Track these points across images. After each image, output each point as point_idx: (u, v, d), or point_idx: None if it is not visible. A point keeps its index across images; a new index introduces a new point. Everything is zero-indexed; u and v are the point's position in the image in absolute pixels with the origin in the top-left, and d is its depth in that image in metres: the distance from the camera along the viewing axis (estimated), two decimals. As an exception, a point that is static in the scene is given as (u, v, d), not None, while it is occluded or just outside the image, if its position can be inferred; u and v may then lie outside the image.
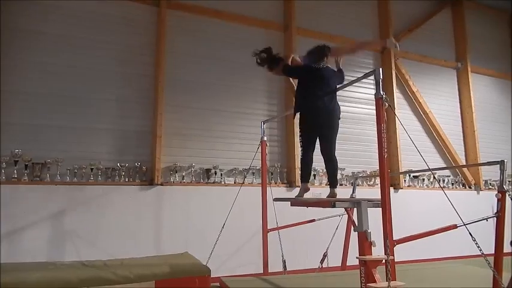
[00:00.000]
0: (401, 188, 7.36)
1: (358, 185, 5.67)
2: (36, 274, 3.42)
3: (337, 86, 3.90)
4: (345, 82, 4.00)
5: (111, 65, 5.75)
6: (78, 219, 5.06)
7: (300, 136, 3.84)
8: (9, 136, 4.96)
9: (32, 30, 5.34)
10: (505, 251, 3.29)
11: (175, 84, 6.05)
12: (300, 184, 4.11)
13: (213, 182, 6.04)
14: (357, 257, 2.80)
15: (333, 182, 3.76)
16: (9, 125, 5.00)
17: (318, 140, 3.80)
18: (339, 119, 3.81)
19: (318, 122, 3.69)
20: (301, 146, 3.83)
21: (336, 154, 3.79)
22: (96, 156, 5.41)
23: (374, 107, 3.07)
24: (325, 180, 6.72)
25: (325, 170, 6.06)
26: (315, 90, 3.72)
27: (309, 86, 3.78)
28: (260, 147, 5.17)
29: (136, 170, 5.59)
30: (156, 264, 4.00)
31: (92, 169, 5.33)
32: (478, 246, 2.99)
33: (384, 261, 2.68)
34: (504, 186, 3.30)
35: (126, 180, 5.49)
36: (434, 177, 7.21)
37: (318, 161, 3.90)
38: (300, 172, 4.02)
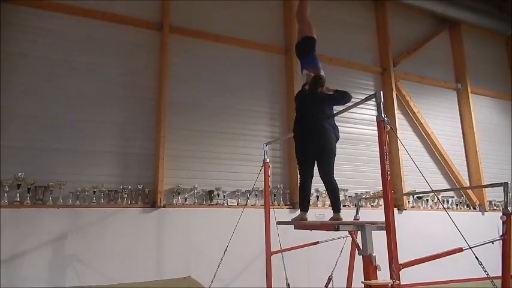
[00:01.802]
0: (405, 209, 7.30)
1: (361, 206, 5.64)
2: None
3: (341, 108, 3.92)
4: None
5: (114, 88, 5.83)
6: (80, 243, 5.02)
7: (297, 162, 3.79)
8: (12, 159, 4.97)
9: (35, 56, 5.43)
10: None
11: (177, 107, 6.11)
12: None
13: (216, 204, 6.01)
14: (362, 282, 2.76)
15: (336, 207, 3.65)
16: (12, 148, 5.02)
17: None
18: (336, 140, 3.73)
19: (307, 144, 3.67)
20: (299, 173, 3.77)
21: (335, 176, 3.68)
22: (99, 178, 5.41)
23: (376, 128, 3.09)
24: (328, 201, 6.67)
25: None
26: (304, 113, 3.77)
27: (300, 110, 3.86)
28: (263, 169, 5.17)
29: (139, 193, 5.58)
30: (158, 289, 3.95)
31: (94, 192, 5.32)
32: (485, 270, 2.95)
33: (389, 285, 2.64)
34: (508, 208, 3.28)
35: (129, 202, 5.47)
36: (438, 199, 7.17)
37: (321, 182, 3.85)
38: (298, 199, 3.94)
